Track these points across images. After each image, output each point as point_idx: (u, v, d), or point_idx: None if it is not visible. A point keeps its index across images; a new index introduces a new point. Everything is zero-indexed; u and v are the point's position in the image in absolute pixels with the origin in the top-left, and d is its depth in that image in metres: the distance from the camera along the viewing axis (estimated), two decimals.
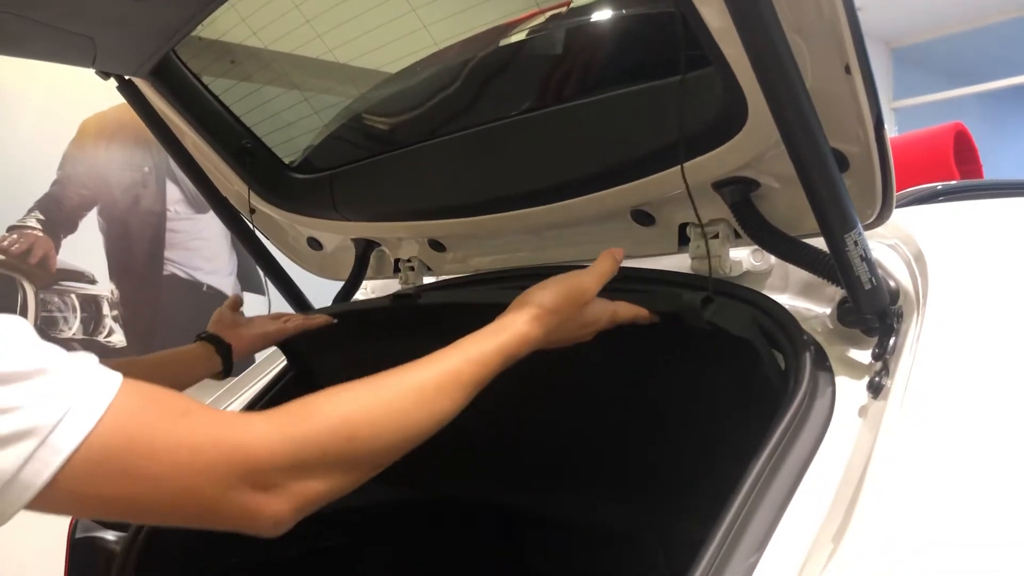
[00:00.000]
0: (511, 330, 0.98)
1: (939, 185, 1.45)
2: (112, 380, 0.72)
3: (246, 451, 0.73)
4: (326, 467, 0.77)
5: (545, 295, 1.03)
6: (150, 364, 1.42)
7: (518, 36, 1.42)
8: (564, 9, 1.33)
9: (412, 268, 1.76)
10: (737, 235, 1.23)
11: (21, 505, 0.67)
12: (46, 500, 0.67)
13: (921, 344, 0.95)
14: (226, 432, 0.74)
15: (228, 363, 1.50)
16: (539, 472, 1.52)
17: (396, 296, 1.48)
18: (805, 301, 1.18)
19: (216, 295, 3.59)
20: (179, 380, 1.40)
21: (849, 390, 1.02)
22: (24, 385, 0.67)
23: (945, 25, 6.59)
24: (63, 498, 0.68)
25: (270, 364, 1.91)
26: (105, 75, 1.60)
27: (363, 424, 0.81)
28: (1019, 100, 7.09)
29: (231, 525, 0.75)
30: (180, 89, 1.64)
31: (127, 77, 1.62)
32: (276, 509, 0.74)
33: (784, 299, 1.18)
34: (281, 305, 1.93)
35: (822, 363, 1.04)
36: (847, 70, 0.93)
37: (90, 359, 0.73)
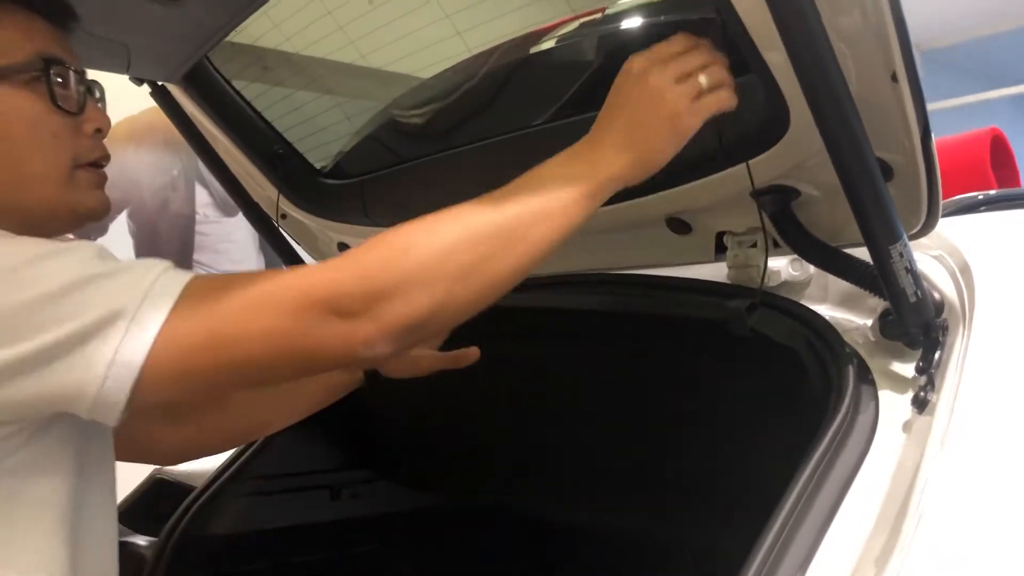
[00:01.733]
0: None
1: (980, 195, 1.42)
2: (185, 273, 0.78)
3: (319, 284, 0.77)
4: (396, 285, 0.77)
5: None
6: None
7: (554, 42, 1.41)
8: (599, 15, 1.32)
9: None
10: (776, 244, 1.22)
11: (128, 387, 0.73)
12: (152, 379, 0.73)
13: (969, 359, 0.93)
14: (297, 274, 0.78)
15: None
16: (571, 479, 1.51)
17: None
18: (845, 312, 1.16)
19: None
20: (319, 394, 1.39)
21: (892, 404, 1.00)
22: (103, 280, 0.74)
23: (975, 28, 6.52)
24: (167, 374, 0.74)
25: None
26: (139, 81, 1.60)
27: (419, 233, 0.82)
28: None
29: (330, 358, 0.78)
30: (213, 94, 1.64)
31: (160, 83, 1.62)
32: (365, 333, 0.76)
33: (824, 309, 1.17)
34: None
35: (865, 376, 1.02)
36: (894, 78, 0.91)
37: (161, 261, 0.79)
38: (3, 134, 0.91)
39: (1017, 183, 2.32)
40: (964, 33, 6.56)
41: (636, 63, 0.91)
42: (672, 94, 0.88)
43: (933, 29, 6.39)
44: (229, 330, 0.75)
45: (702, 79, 0.89)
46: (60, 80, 0.95)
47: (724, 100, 0.92)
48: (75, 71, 0.98)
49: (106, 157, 1.03)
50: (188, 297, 0.75)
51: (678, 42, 0.91)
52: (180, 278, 0.77)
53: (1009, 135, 2.44)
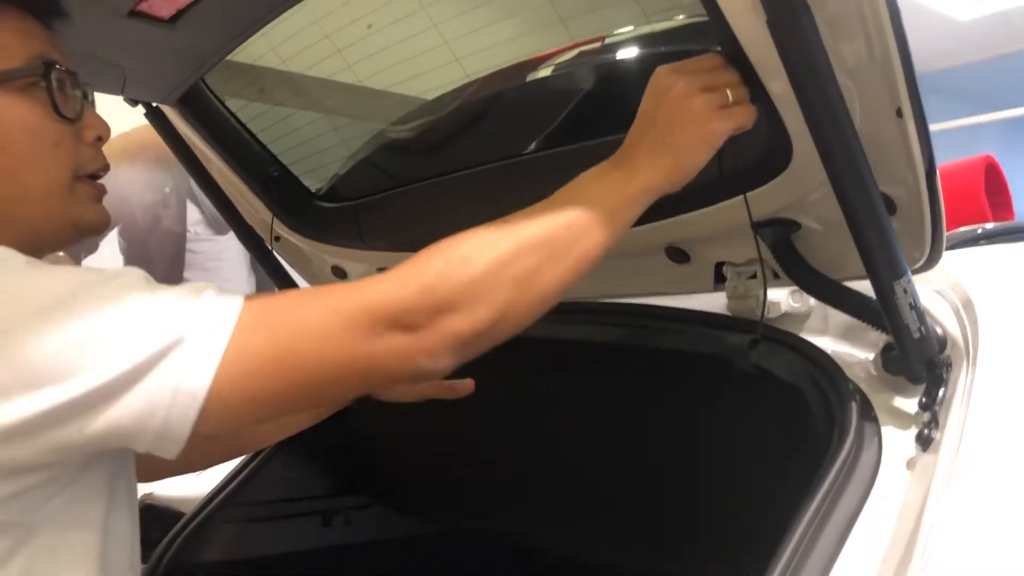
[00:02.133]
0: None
1: (980, 228, 1.42)
2: (236, 296, 0.75)
3: (378, 298, 0.75)
4: (458, 296, 0.76)
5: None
6: None
7: (552, 69, 1.40)
8: (599, 44, 1.32)
9: None
10: (776, 275, 1.21)
11: (193, 417, 0.70)
12: (217, 407, 0.71)
13: (974, 396, 0.92)
14: (354, 289, 0.76)
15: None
16: (567, 509, 1.49)
17: None
18: (846, 345, 1.15)
19: None
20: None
21: (896, 441, 0.99)
22: (155, 308, 0.71)
23: (964, 53, 6.57)
24: (233, 401, 0.71)
25: None
26: (133, 102, 1.59)
27: (474, 244, 0.81)
28: None
29: (394, 372, 0.77)
30: (208, 117, 1.63)
31: (155, 104, 1.61)
32: (429, 346, 0.75)
33: (824, 342, 1.16)
34: None
35: (868, 413, 1.01)
36: (899, 114, 0.91)
37: (212, 285, 0.76)
38: (2, 144, 0.86)
39: (1011, 210, 2.33)
40: (953, 58, 6.62)
41: (663, 75, 0.92)
42: (701, 100, 0.89)
43: (922, 54, 6.43)
44: (294, 351, 0.74)
45: (728, 92, 0.91)
46: (59, 85, 0.90)
47: (750, 113, 0.93)
48: (72, 74, 0.93)
49: (106, 168, 0.98)
50: (247, 319, 0.73)
51: (706, 60, 0.93)
52: (235, 299, 0.74)
53: (999, 159, 2.45)
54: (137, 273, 0.76)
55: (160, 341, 0.70)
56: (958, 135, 6.73)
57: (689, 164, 0.91)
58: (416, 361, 0.76)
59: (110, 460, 0.84)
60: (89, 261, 3.19)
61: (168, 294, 0.74)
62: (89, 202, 0.95)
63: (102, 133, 0.97)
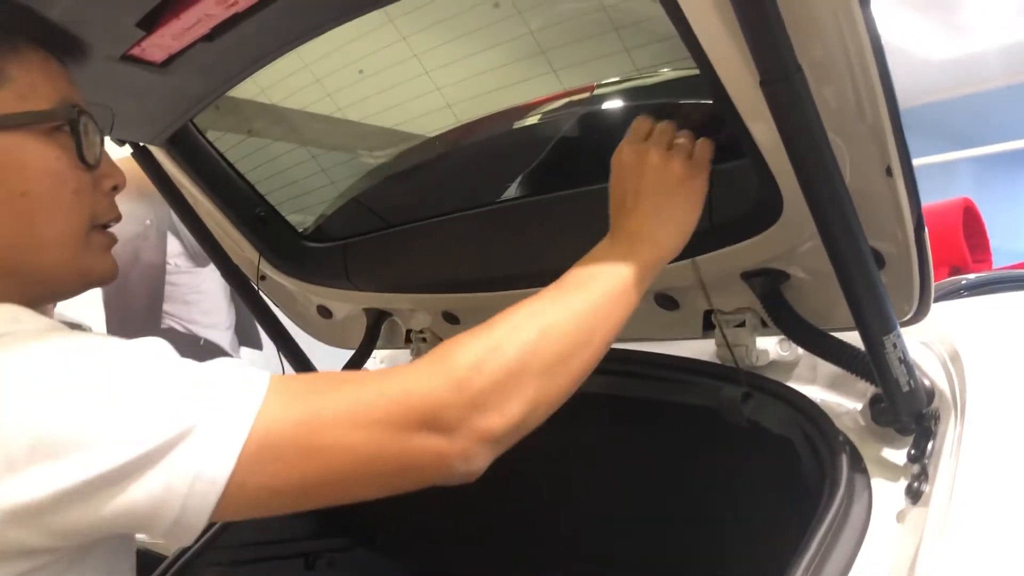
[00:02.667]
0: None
1: (963, 279, 1.44)
2: (262, 375, 0.71)
3: (416, 395, 0.72)
4: (490, 391, 0.74)
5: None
6: None
7: (541, 117, 1.41)
8: (589, 94, 1.33)
9: (424, 340, 1.74)
10: (764, 324, 1.22)
11: (211, 505, 0.66)
12: (236, 496, 0.67)
13: (964, 450, 0.93)
14: (390, 382, 0.73)
15: None
16: (552, 556, 1.48)
17: None
18: (835, 395, 1.16)
19: (214, 349, 3.55)
20: None
21: (885, 493, 0.99)
22: (175, 386, 0.68)
23: (939, 90, 6.68)
24: (253, 490, 0.67)
25: None
26: (121, 142, 1.59)
27: (501, 332, 0.78)
28: (1011, 165, 7.18)
29: (426, 475, 0.73)
30: (195, 157, 1.62)
31: (142, 144, 1.61)
32: (461, 447, 0.72)
33: (813, 391, 1.17)
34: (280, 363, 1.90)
35: (858, 465, 1.02)
36: (888, 172, 0.92)
37: (237, 362, 0.73)
38: (23, 189, 0.80)
39: (988, 252, 2.37)
40: (927, 95, 6.73)
41: (628, 151, 0.97)
42: (673, 162, 0.94)
43: (897, 92, 6.53)
44: (323, 440, 0.70)
45: (683, 141, 0.97)
46: (85, 130, 0.86)
47: (709, 146, 0.98)
48: (94, 120, 0.89)
49: (119, 218, 0.94)
50: (272, 402, 0.69)
51: (646, 120, 0.99)
52: (260, 380, 0.70)
53: (973, 195, 2.49)
54: (159, 344, 0.72)
55: (180, 423, 0.66)
56: (932, 171, 6.84)
57: (690, 225, 0.95)
58: (451, 464, 0.73)
59: (114, 538, 0.78)
60: None
61: (191, 373, 0.70)
62: (102, 252, 0.90)
63: (119, 183, 0.94)
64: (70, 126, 0.85)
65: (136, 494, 0.65)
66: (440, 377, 0.74)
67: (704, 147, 0.98)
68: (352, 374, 0.75)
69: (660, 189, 0.93)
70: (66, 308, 3.47)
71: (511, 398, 0.74)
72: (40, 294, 0.85)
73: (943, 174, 6.75)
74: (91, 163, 0.87)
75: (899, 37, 5.73)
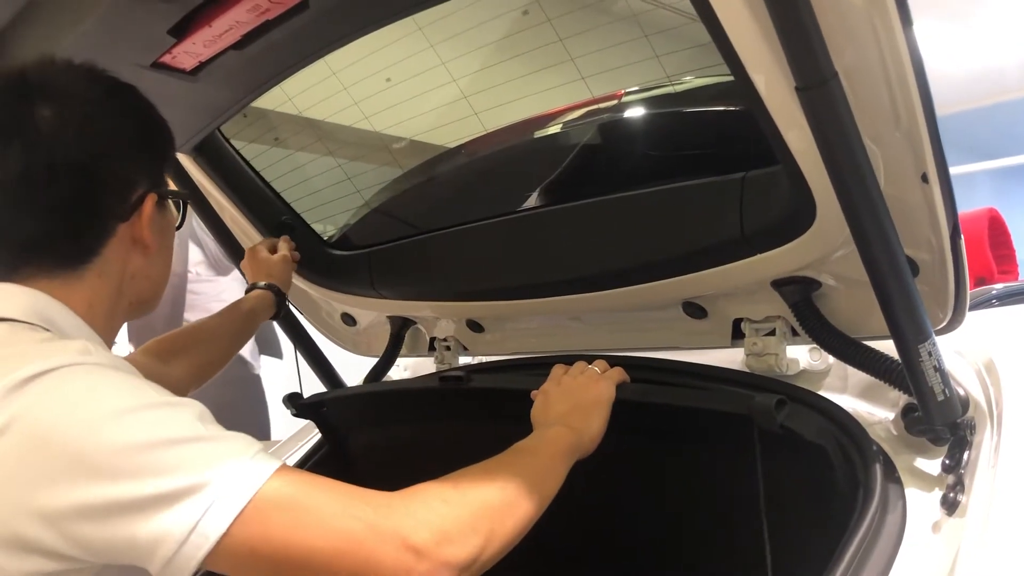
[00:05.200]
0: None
1: (993, 289, 1.43)
2: (274, 460, 0.81)
3: (398, 529, 0.80)
4: (454, 530, 0.82)
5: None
6: (218, 318, 1.56)
7: (565, 125, 1.41)
8: (616, 101, 1.33)
9: (448, 347, 1.74)
10: (795, 332, 1.21)
11: (202, 555, 0.75)
12: (224, 553, 0.75)
13: (1001, 460, 0.92)
14: (382, 515, 0.80)
15: (282, 305, 1.60)
16: (576, 559, 1.47)
17: (443, 378, 1.45)
18: (866, 404, 1.15)
19: (234, 358, 3.55)
20: (247, 328, 1.57)
21: (920, 504, 0.98)
22: (201, 446, 0.78)
23: (957, 102, 6.65)
24: (238, 552, 0.76)
25: (304, 437, 1.88)
26: None
27: (465, 482, 0.88)
28: None
29: None
30: (222, 165, 1.63)
31: None
32: (427, 568, 0.79)
33: (844, 400, 1.15)
34: (304, 371, 1.91)
35: (892, 475, 1.01)
36: (924, 179, 0.92)
37: (252, 442, 0.82)
38: (168, 244, 1.06)
39: (1014, 263, 2.34)
40: (947, 107, 6.69)
41: (546, 387, 1.18)
42: (583, 377, 1.17)
43: None
44: (304, 527, 0.78)
45: (596, 368, 1.20)
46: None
47: (621, 371, 1.19)
48: None
49: None
50: (274, 485, 0.78)
51: (561, 367, 1.23)
52: (270, 464, 0.80)
53: (993, 207, 2.46)
54: (196, 408, 0.83)
55: (192, 477, 0.75)
56: (953, 183, 6.78)
57: (601, 418, 1.10)
58: None
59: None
60: None
61: (215, 436, 0.80)
62: None
63: None
64: (185, 205, 1.13)
65: (142, 528, 0.75)
66: (416, 516, 0.82)
67: (613, 370, 1.19)
68: (348, 486, 0.83)
69: (571, 400, 1.12)
70: None
71: (473, 535, 0.83)
72: (122, 316, 1.02)
73: (962, 186, 6.68)
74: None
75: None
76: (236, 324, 1.56)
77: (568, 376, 1.19)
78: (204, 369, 1.52)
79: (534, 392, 1.18)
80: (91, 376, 0.81)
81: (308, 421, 1.91)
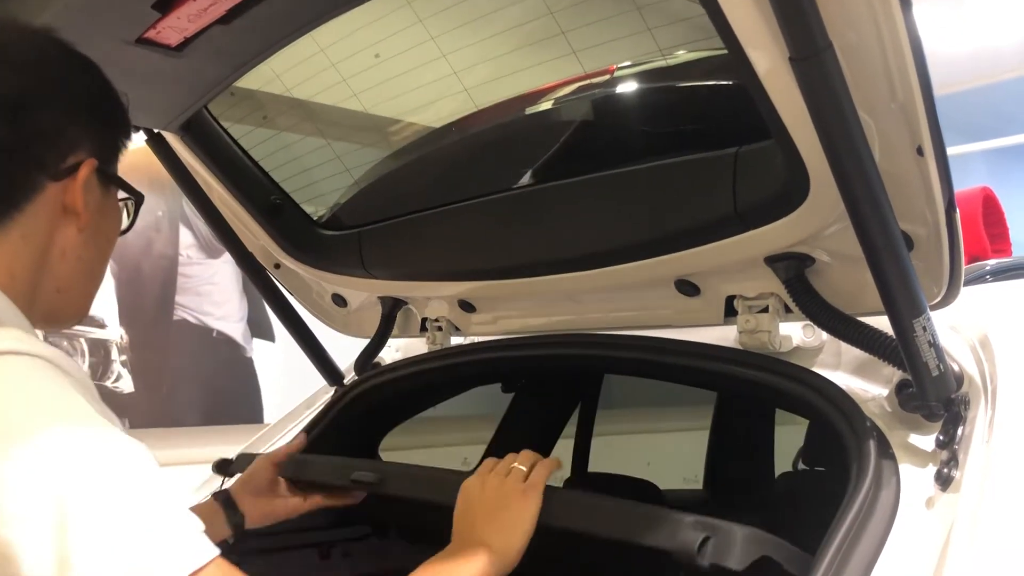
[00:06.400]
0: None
1: (987, 265, 1.42)
2: (210, 545, 0.77)
3: None
4: None
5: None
6: None
7: (556, 101, 1.40)
8: (608, 76, 1.31)
9: (440, 328, 1.72)
10: (788, 309, 1.20)
11: None
12: None
13: (996, 435, 0.91)
14: None
15: (239, 532, 1.45)
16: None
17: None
18: (860, 380, 1.14)
19: (226, 341, 3.55)
20: None
21: (914, 480, 0.98)
22: (138, 528, 0.74)
23: (948, 83, 6.63)
24: None
25: (296, 418, 1.87)
26: (135, 128, 1.57)
27: None
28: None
29: None
30: (210, 144, 1.61)
31: (157, 131, 1.60)
32: None
33: (838, 377, 1.15)
34: (294, 353, 1.90)
35: (886, 451, 1.00)
36: (919, 152, 0.91)
37: (198, 525, 0.78)
38: (112, 237, 1.00)
39: (1008, 242, 2.34)
40: (941, 88, 6.67)
41: (470, 484, 1.15)
42: (509, 483, 1.12)
43: None
44: None
45: (520, 466, 1.14)
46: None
47: (549, 465, 1.15)
48: None
49: None
50: (212, 568, 0.76)
51: (491, 461, 1.18)
52: (212, 548, 0.77)
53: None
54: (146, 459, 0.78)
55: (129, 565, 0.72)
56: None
57: (524, 532, 1.08)
58: None
59: None
60: None
61: (166, 514, 0.77)
62: None
63: None
64: (136, 207, 1.04)
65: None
66: None
67: (540, 471, 1.14)
68: None
69: (497, 505, 1.10)
70: None
71: None
72: (45, 327, 0.95)
73: (957, 167, 6.66)
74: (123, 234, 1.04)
75: None
76: None
77: (494, 476, 1.14)
78: None
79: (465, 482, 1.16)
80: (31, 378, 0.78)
81: (301, 402, 1.91)
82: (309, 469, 1.50)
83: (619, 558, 1.13)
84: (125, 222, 1.03)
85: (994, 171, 7.17)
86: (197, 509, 1.41)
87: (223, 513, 1.44)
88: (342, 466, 1.47)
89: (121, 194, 1.01)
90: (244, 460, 1.60)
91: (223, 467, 1.65)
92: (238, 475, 1.56)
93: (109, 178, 0.97)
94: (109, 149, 0.99)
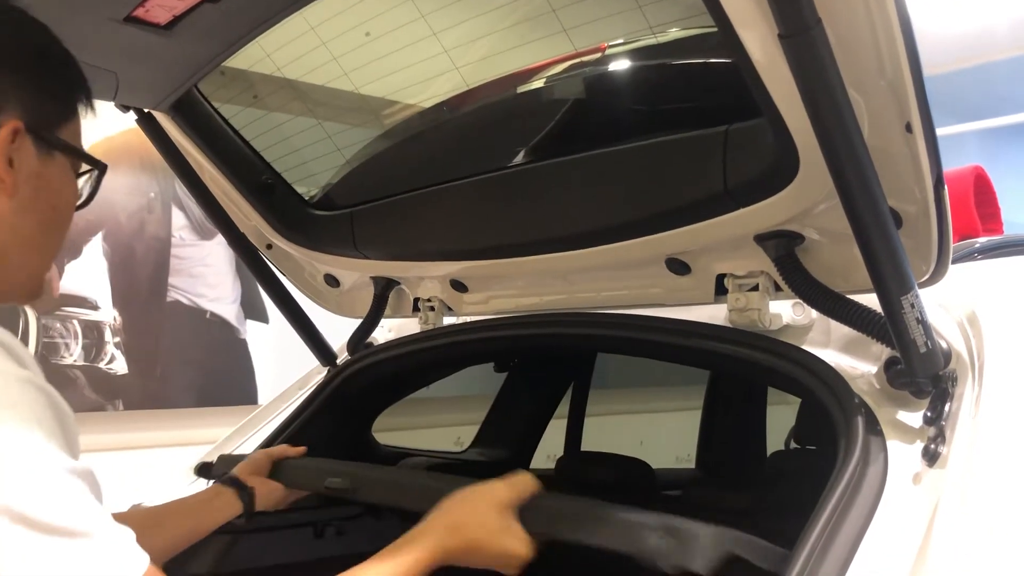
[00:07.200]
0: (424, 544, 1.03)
1: (977, 242, 1.42)
2: (141, 561, 0.78)
3: None
4: None
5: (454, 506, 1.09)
6: (175, 511, 1.41)
7: (548, 79, 1.39)
8: (600, 54, 1.31)
9: (432, 308, 1.73)
10: (778, 287, 1.21)
11: None
12: None
13: (983, 411, 0.92)
14: None
15: (250, 508, 1.45)
16: None
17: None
18: (849, 358, 1.15)
19: (219, 322, 3.54)
20: (202, 526, 1.41)
21: (901, 455, 0.98)
22: (67, 544, 0.73)
23: (942, 63, 6.62)
24: None
25: (288, 398, 1.87)
26: (125, 108, 1.57)
27: None
28: (1018, 137, 7.12)
29: None
30: (200, 123, 1.61)
31: (147, 110, 1.59)
32: None
33: (827, 355, 1.15)
34: (287, 335, 1.90)
35: (873, 427, 1.01)
36: (908, 128, 0.91)
37: (129, 536, 0.78)
38: (59, 207, 0.93)
39: (999, 221, 2.34)
40: (934, 68, 6.66)
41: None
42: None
43: None
44: None
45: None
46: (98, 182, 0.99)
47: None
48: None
49: None
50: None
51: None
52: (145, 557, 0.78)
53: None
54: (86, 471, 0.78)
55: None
56: (939, 144, 6.77)
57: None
58: None
59: None
60: (72, 266, 3.16)
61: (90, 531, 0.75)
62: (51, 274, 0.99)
63: None
64: (98, 176, 0.98)
65: None
66: None
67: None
68: None
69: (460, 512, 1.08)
70: (72, 282, 3.45)
71: None
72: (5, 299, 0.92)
73: (950, 147, 6.67)
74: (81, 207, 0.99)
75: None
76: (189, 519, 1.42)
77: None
78: None
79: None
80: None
81: (293, 383, 1.91)
82: (285, 474, 1.51)
83: (594, 560, 1.12)
84: (77, 196, 0.97)
85: (987, 151, 7.18)
86: (203, 491, 1.43)
87: (232, 490, 1.44)
88: (316, 471, 1.48)
89: (85, 166, 0.96)
90: (225, 462, 1.61)
91: (205, 470, 1.67)
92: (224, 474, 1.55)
93: (50, 143, 0.91)
94: (50, 112, 0.92)
